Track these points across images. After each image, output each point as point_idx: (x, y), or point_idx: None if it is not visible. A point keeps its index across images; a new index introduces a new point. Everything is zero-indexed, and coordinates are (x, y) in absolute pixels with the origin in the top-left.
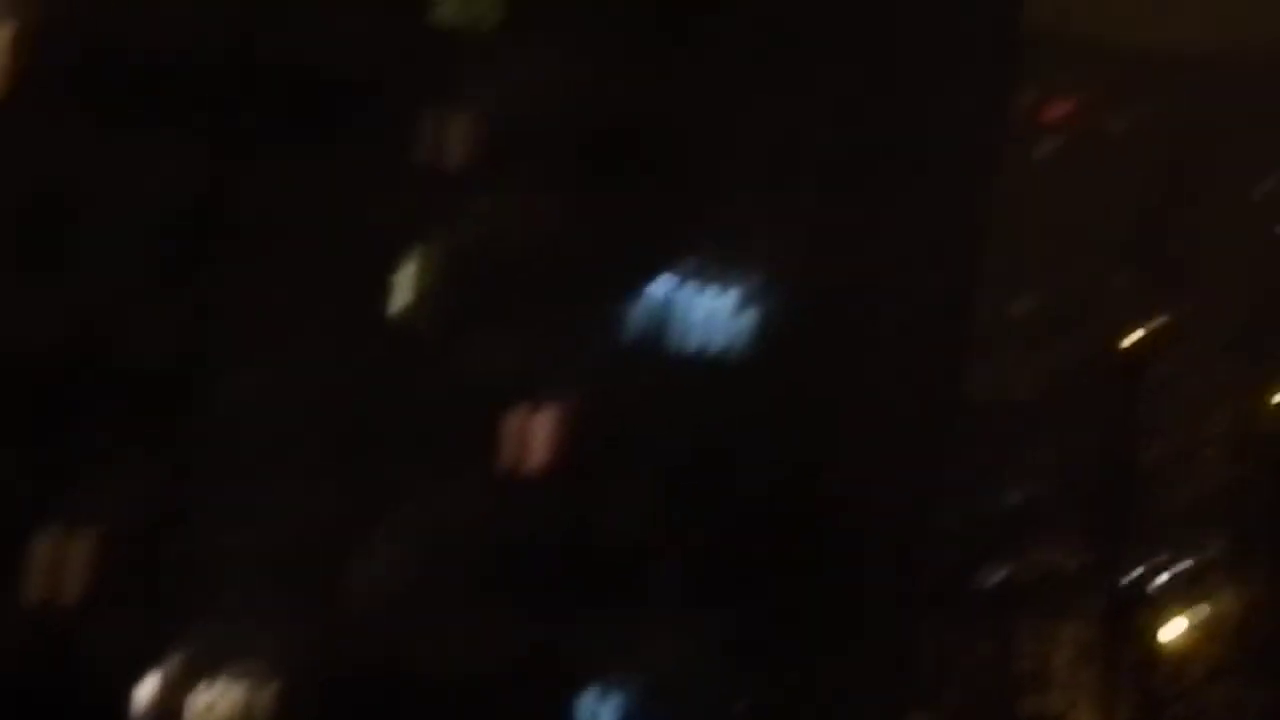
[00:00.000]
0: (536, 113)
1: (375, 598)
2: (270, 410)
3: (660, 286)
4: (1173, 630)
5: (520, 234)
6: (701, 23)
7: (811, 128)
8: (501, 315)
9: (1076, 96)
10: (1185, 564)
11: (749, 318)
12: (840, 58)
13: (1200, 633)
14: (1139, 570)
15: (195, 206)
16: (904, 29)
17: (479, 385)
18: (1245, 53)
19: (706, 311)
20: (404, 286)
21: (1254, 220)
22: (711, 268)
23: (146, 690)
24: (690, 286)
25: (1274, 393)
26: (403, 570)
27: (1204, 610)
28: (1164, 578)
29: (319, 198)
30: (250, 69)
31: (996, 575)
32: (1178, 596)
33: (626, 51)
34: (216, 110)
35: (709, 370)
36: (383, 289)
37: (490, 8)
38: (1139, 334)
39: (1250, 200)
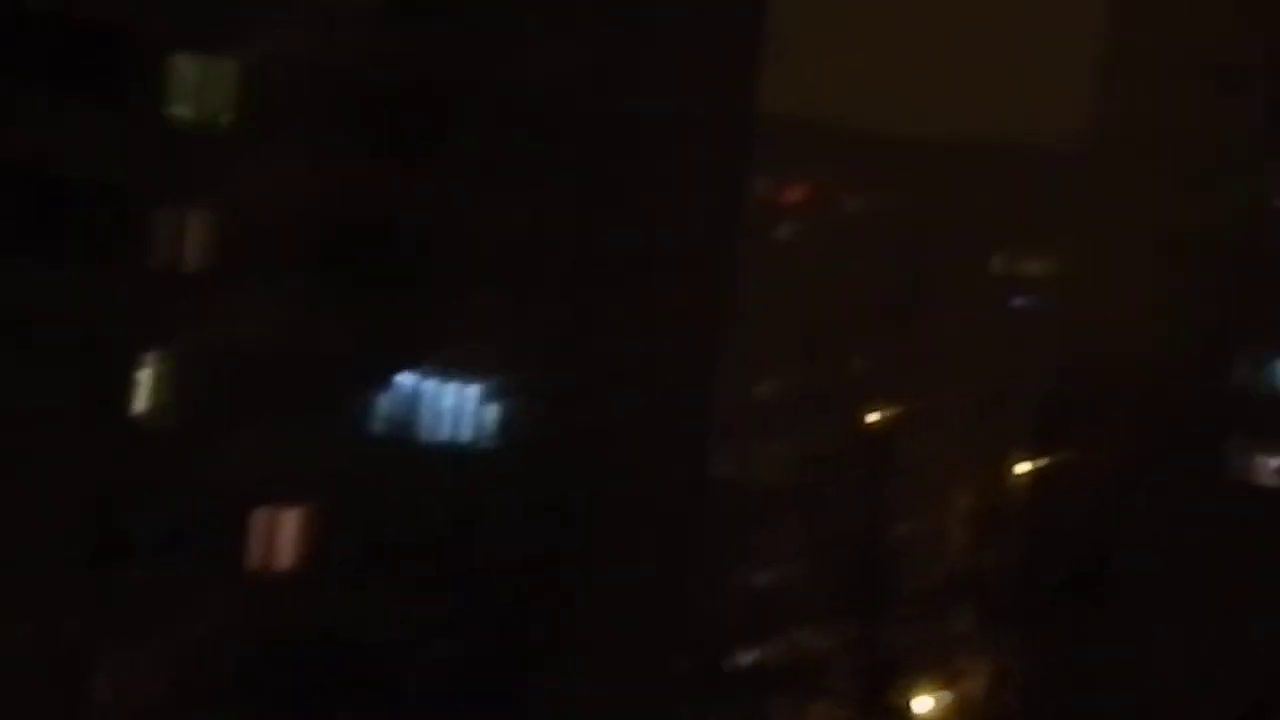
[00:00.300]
0: (276, 211)
1: (124, 704)
2: (17, 513)
3: (407, 382)
4: (925, 705)
5: (263, 333)
6: (440, 126)
7: (552, 224)
8: (247, 415)
9: (814, 180)
10: (935, 639)
11: (495, 410)
12: (579, 152)
13: (952, 706)
14: (890, 647)
15: None
16: (641, 121)
17: (226, 485)
18: (978, 137)
19: (453, 405)
20: (148, 388)
21: (991, 297)
22: (457, 362)
23: None
24: (437, 381)
25: (1015, 466)
26: (153, 675)
27: (955, 683)
28: (914, 653)
29: (60, 302)
30: None
31: (749, 656)
32: (929, 671)
33: (369, 151)
34: None
35: (457, 463)
36: (127, 391)
37: (225, 106)
38: (884, 414)
39: (987, 278)
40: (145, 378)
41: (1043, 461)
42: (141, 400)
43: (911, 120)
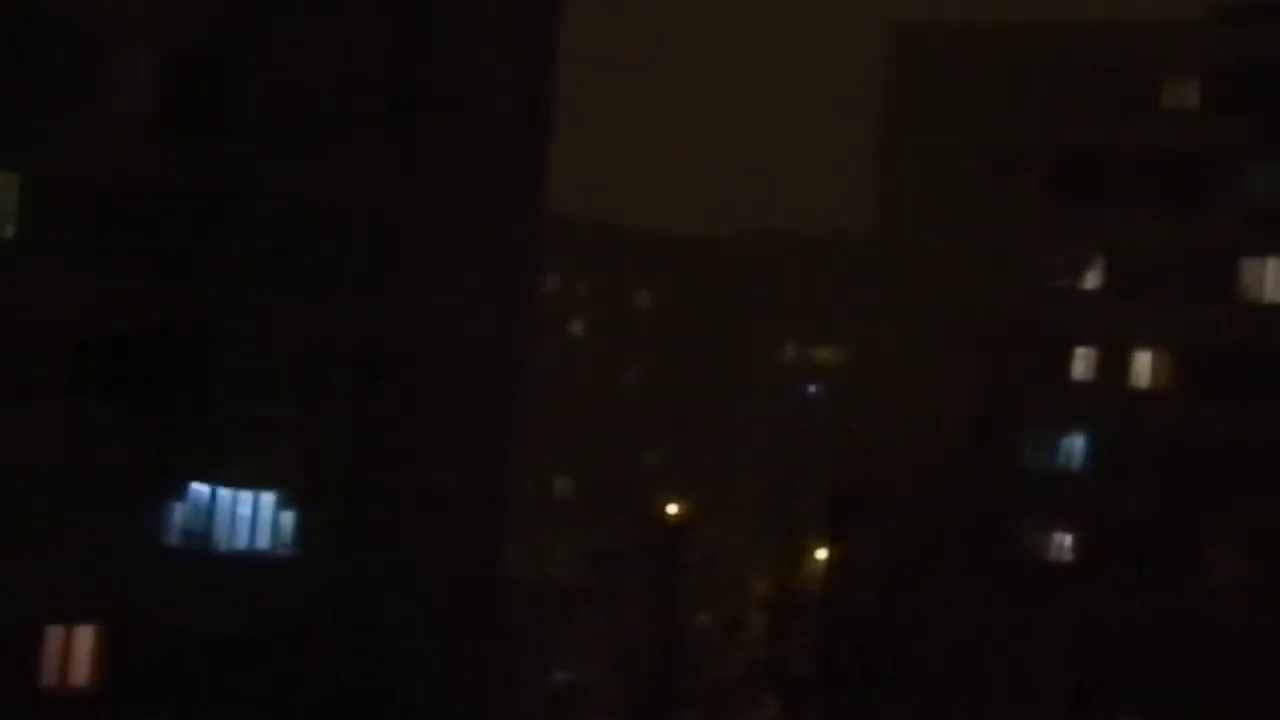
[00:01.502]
0: (57, 324)
1: None
2: None
3: (200, 493)
4: None
5: (51, 451)
6: (222, 238)
7: (338, 330)
8: (37, 534)
9: (604, 277)
10: None
11: (290, 517)
12: (363, 258)
13: None
14: None
15: None
16: (428, 224)
17: (19, 606)
18: (761, 231)
19: (248, 514)
20: None
21: (781, 386)
22: (248, 471)
23: None
24: (231, 491)
25: (811, 552)
26: None
27: None
28: None
29: None
30: None
31: None
32: None
33: (152, 264)
34: None
35: (254, 572)
36: None
37: (6, 218)
38: (677, 508)
39: (777, 367)
40: None
41: (837, 547)
42: None
43: (696, 216)
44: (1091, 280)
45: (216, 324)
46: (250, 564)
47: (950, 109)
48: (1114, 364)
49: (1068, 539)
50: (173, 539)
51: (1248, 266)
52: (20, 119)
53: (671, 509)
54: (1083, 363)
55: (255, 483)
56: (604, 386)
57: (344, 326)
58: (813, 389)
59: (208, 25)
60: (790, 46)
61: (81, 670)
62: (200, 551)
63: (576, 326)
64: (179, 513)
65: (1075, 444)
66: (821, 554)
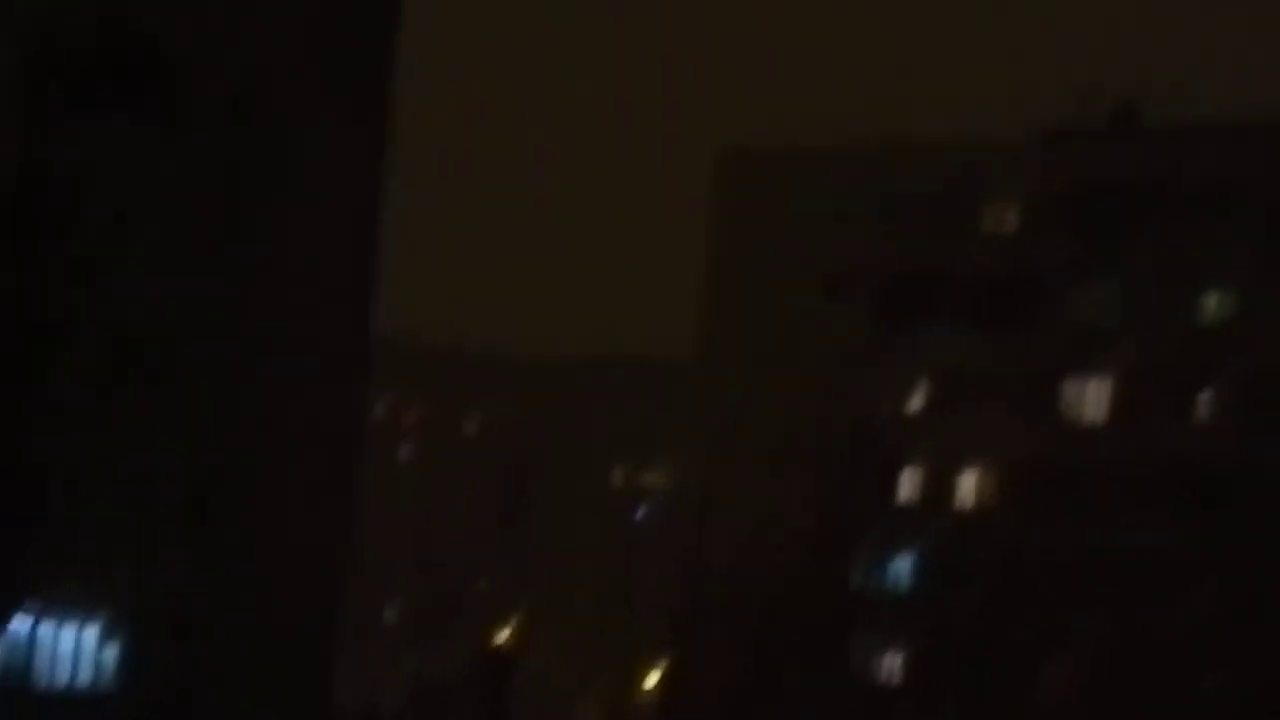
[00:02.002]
0: None
1: None
2: None
3: (21, 626)
4: None
5: None
6: (46, 363)
7: (167, 457)
8: None
9: (430, 402)
10: None
11: (113, 650)
12: (190, 381)
13: None
14: None
15: None
16: (255, 349)
17: None
18: (591, 355)
19: (70, 647)
20: None
21: (613, 509)
22: (73, 602)
23: None
24: (52, 623)
25: (644, 674)
26: None
27: None
28: None
29: None
30: None
31: None
32: None
33: None
34: None
35: (76, 707)
36: None
37: None
38: (505, 632)
39: (608, 490)
40: None
41: (672, 668)
42: None
43: (526, 340)
44: (919, 401)
45: (44, 450)
46: (68, 705)
47: (777, 232)
48: (942, 483)
49: (899, 658)
50: None
51: (1069, 386)
52: None
53: (503, 633)
54: (912, 482)
55: (80, 613)
56: (436, 510)
57: (173, 453)
58: (643, 511)
59: (33, 154)
60: (618, 168)
61: None
62: (21, 687)
63: (406, 451)
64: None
65: (905, 563)
66: (655, 676)
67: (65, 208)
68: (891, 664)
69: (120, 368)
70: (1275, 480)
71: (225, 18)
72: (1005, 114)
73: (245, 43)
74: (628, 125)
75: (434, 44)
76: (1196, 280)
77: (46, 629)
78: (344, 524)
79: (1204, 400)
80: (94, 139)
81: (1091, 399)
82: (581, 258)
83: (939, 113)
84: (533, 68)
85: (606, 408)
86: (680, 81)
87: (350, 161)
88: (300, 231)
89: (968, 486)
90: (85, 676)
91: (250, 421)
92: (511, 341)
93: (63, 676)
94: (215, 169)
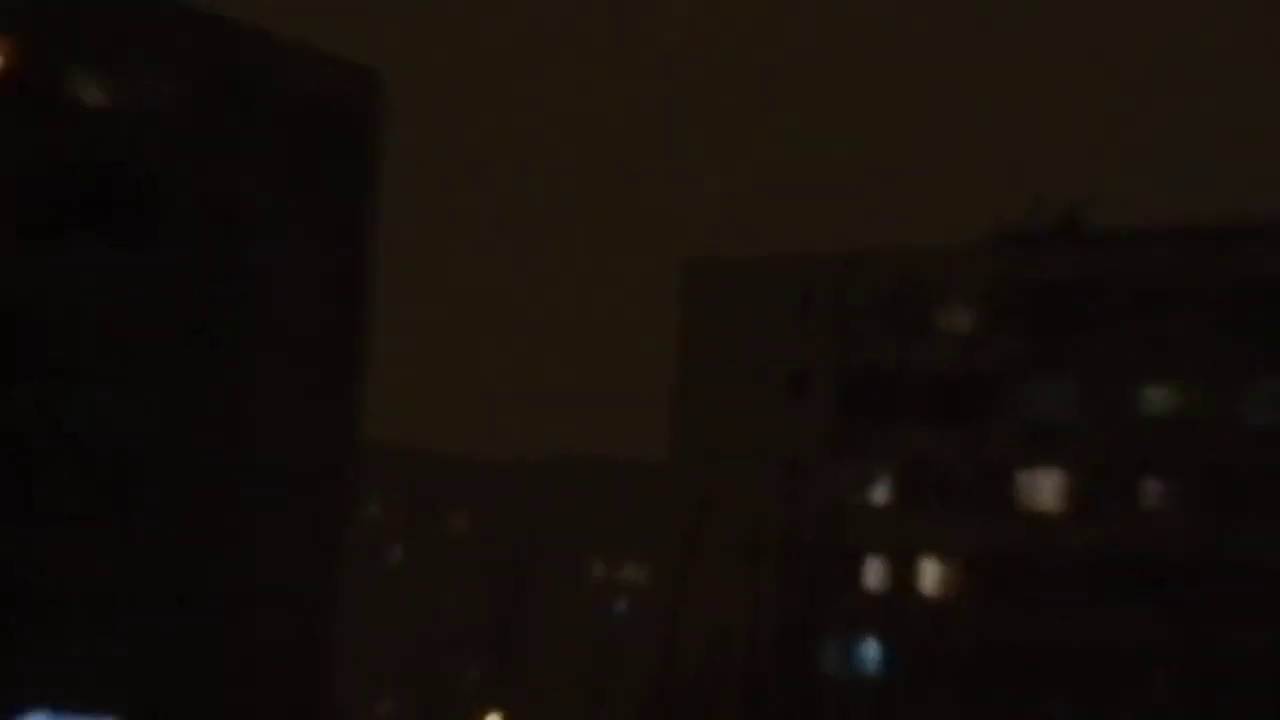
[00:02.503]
0: None
1: None
2: None
3: None
4: None
5: None
6: (22, 475)
7: (142, 569)
8: None
9: (419, 502)
10: None
11: None
12: (170, 495)
13: None
14: None
15: None
16: (240, 456)
17: None
18: (569, 456)
19: None
20: None
21: (592, 601)
22: (69, 700)
23: None
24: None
25: None
26: None
27: None
28: None
29: None
30: None
31: None
32: None
33: None
34: None
35: None
36: None
37: None
38: None
39: (585, 587)
40: None
41: None
42: None
43: (507, 443)
44: (881, 493)
45: (30, 562)
46: None
47: (742, 336)
48: (905, 572)
49: None
50: None
51: (1023, 477)
52: None
53: None
54: (876, 572)
55: (88, 710)
56: (423, 608)
57: (155, 561)
58: (622, 606)
59: (13, 278)
60: (591, 279)
61: None
62: None
63: (396, 551)
64: None
65: (870, 650)
66: None
67: (38, 329)
68: None
69: (104, 479)
70: (1223, 565)
71: (204, 144)
72: (958, 221)
73: (226, 168)
74: (599, 237)
75: (411, 160)
76: (1141, 376)
77: None
78: (327, 623)
79: (1153, 490)
80: (77, 260)
81: (1045, 489)
82: (558, 363)
83: (897, 220)
84: (508, 183)
85: (584, 506)
86: (647, 195)
87: (331, 278)
88: (283, 344)
89: (929, 574)
90: None
91: (237, 528)
92: (494, 445)
93: None
94: (200, 286)
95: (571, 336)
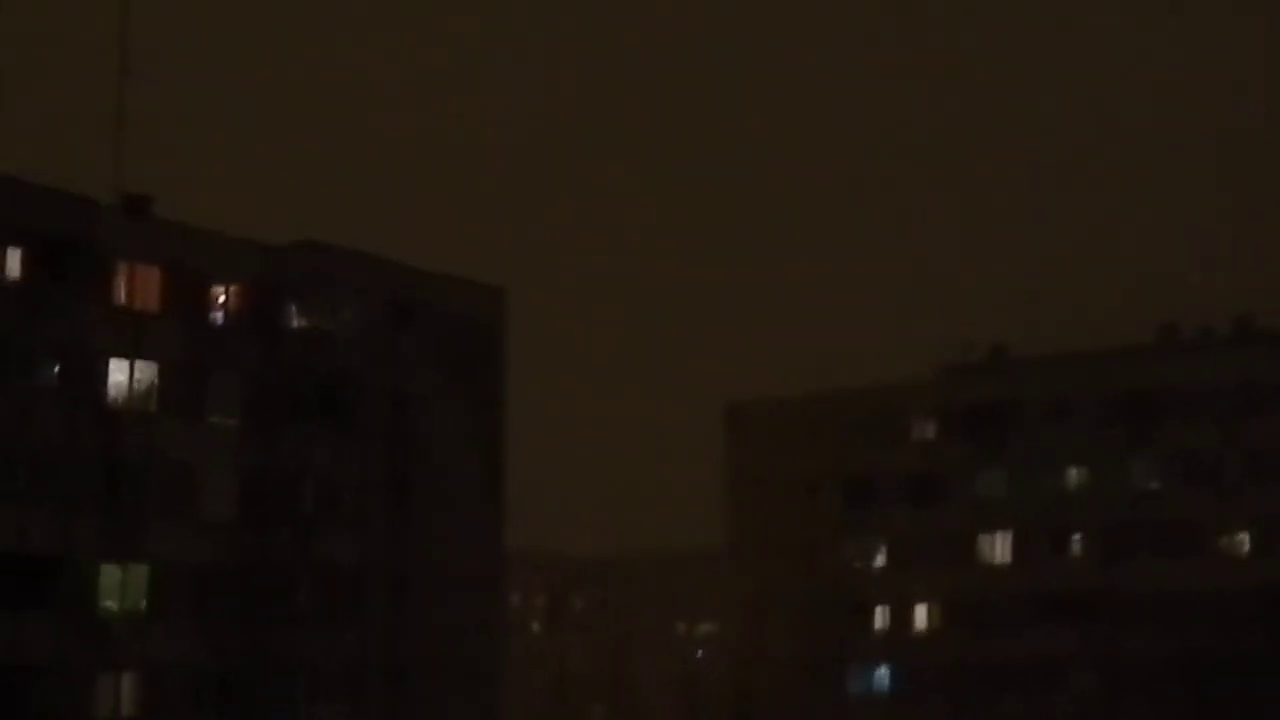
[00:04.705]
0: (177, 669)
1: None
2: None
3: None
4: None
5: None
6: (278, 598)
7: (370, 651)
8: None
9: (550, 589)
10: None
11: None
12: (383, 597)
13: None
14: None
15: None
16: (425, 569)
17: None
18: (649, 553)
19: None
20: None
21: (678, 651)
22: None
23: None
24: None
25: None
26: None
27: None
28: None
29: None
30: None
31: None
32: None
33: (240, 622)
34: None
35: None
36: None
37: (139, 601)
38: None
39: (674, 638)
40: None
41: None
42: None
43: (599, 543)
44: (878, 560)
45: (292, 652)
46: None
47: (770, 455)
48: (901, 615)
49: None
50: None
51: (982, 540)
52: (144, 526)
53: None
54: (880, 616)
55: None
56: (557, 665)
57: (376, 647)
58: (700, 652)
59: (267, 455)
60: (664, 417)
61: None
62: None
63: (535, 626)
64: None
65: (882, 673)
66: None
67: (290, 489)
68: None
69: (339, 591)
70: (1125, 595)
71: (383, 352)
72: (916, 358)
73: (401, 359)
74: (666, 386)
75: (528, 343)
76: (1055, 462)
77: None
78: (496, 682)
79: (1074, 543)
80: (304, 437)
81: (998, 548)
82: (638, 483)
83: (873, 361)
84: (599, 355)
85: (667, 582)
86: (696, 353)
87: (477, 441)
88: (448, 489)
89: (919, 616)
90: None
91: (425, 621)
92: (591, 542)
93: None
94: (390, 452)
95: (648, 462)
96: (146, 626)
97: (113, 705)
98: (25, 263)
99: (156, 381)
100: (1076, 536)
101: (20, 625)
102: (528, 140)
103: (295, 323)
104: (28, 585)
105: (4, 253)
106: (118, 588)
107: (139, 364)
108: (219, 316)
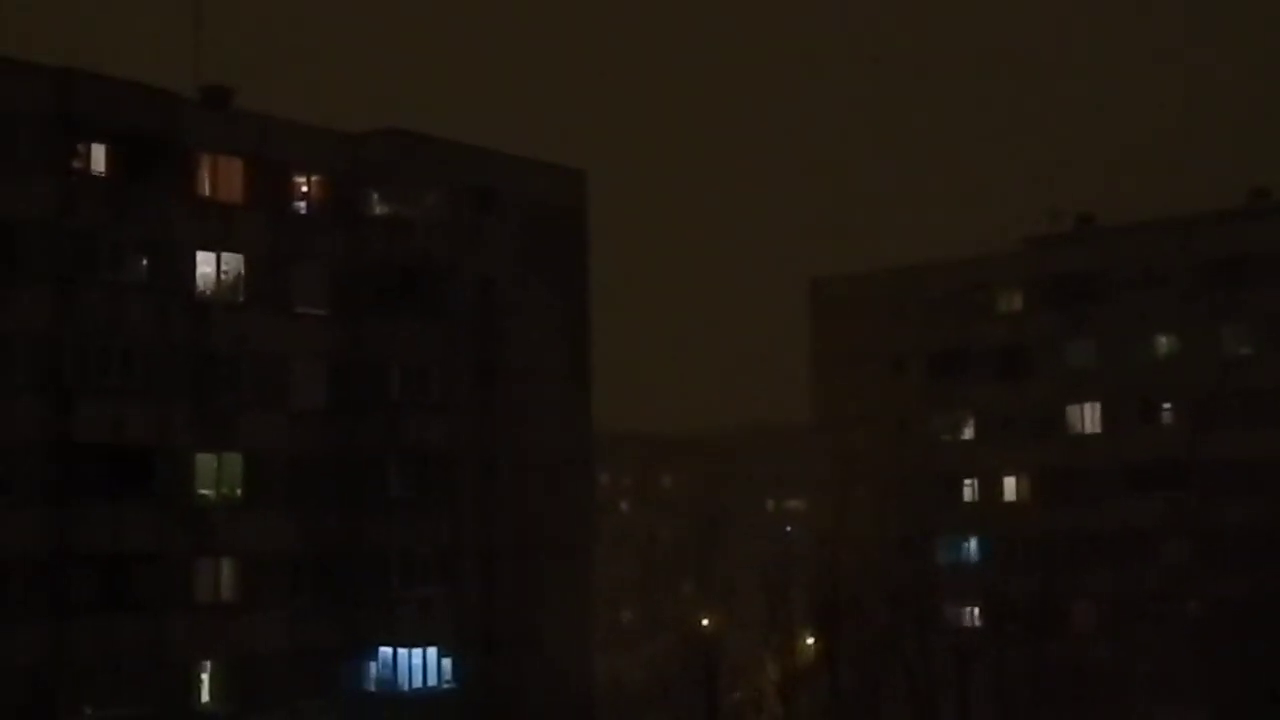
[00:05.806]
0: (273, 556)
1: None
2: None
3: (387, 650)
4: None
5: (272, 644)
6: (360, 483)
7: (464, 533)
8: (272, 702)
9: (638, 469)
10: None
11: (448, 664)
12: (474, 480)
13: None
14: None
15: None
16: (517, 452)
17: None
18: (736, 431)
19: (420, 664)
20: (206, 684)
21: (769, 527)
22: (418, 634)
23: None
24: (406, 648)
25: (803, 644)
26: None
27: None
28: None
29: (140, 634)
30: (70, 557)
31: None
32: None
33: (337, 508)
34: (49, 589)
35: (428, 701)
36: (193, 687)
37: (234, 489)
38: (708, 621)
39: (765, 515)
40: (205, 678)
41: (822, 637)
42: (204, 693)
43: (686, 421)
44: (967, 433)
45: (385, 538)
46: (424, 698)
47: (856, 330)
48: (990, 488)
49: (975, 611)
50: (369, 686)
51: (1070, 411)
52: (236, 415)
53: (704, 622)
54: (968, 489)
55: (422, 642)
56: (647, 542)
57: (467, 530)
58: (789, 529)
59: (354, 343)
60: (751, 294)
61: None
62: (392, 690)
63: (624, 505)
64: (376, 666)
65: (971, 545)
66: (810, 643)
67: (377, 376)
68: (968, 617)
69: (430, 476)
70: (1216, 463)
71: (465, 238)
72: (1003, 230)
73: (484, 244)
74: (750, 262)
75: (611, 228)
76: (1142, 331)
77: (402, 653)
78: (586, 561)
79: (1163, 413)
80: (389, 325)
81: (1086, 418)
82: (724, 360)
83: (961, 233)
84: (683, 234)
85: (753, 460)
86: (780, 229)
87: (563, 323)
88: (534, 372)
89: (1007, 488)
90: (431, 683)
91: (518, 501)
92: (680, 423)
93: (417, 683)
94: (475, 338)
95: (737, 338)
96: (242, 514)
97: (212, 590)
98: (109, 159)
99: (243, 273)
100: (1166, 406)
101: (120, 514)
102: (605, 18)
103: (377, 210)
104: (126, 476)
105: (89, 149)
106: (213, 476)
107: (225, 256)
108: (302, 206)
